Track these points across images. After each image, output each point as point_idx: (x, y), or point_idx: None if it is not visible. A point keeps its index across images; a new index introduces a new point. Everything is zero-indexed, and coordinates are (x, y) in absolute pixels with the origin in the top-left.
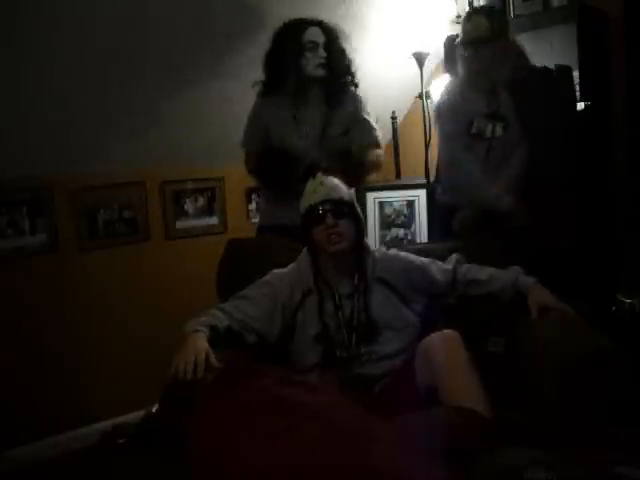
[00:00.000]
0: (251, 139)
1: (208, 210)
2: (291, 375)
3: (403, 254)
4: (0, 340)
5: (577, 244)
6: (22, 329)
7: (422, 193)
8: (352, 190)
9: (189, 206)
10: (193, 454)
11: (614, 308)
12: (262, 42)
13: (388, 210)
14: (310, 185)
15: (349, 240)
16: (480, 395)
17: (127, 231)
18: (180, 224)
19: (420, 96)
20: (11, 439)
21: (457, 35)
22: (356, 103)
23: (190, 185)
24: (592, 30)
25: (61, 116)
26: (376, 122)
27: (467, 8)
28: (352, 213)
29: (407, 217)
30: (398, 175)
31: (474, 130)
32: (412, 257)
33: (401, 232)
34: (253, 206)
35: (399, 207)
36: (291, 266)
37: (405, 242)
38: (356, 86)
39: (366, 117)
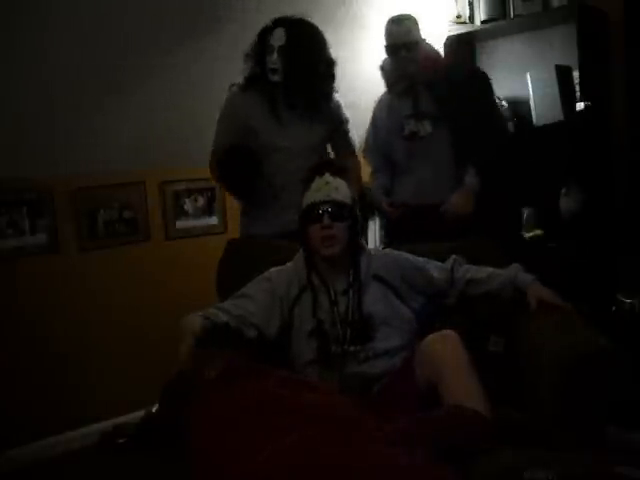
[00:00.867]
0: (226, 136)
1: (208, 210)
2: (291, 375)
3: (399, 252)
4: (0, 340)
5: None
6: (22, 329)
7: None
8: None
9: (189, 206)
10: (193, 454)
11: (614, 308)
12: None
13: None
14: (316, 183)
15: (342, 244)
16: (480, 395)
17: (127, 231)
18: (180, 224)
19: None
20: (11, 439)
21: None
22: (333, 110)
23: (187, 185)
24: (592, 30)
25: (61, 116)
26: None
27: (467, 8)
28: (350, 216)
29: None
30: None
31: (406, 132)
32: (408, 256)
33: None
34: None
35: None
36: (289, 263)
37: None
38: (328, 92)
39: (345, 125)
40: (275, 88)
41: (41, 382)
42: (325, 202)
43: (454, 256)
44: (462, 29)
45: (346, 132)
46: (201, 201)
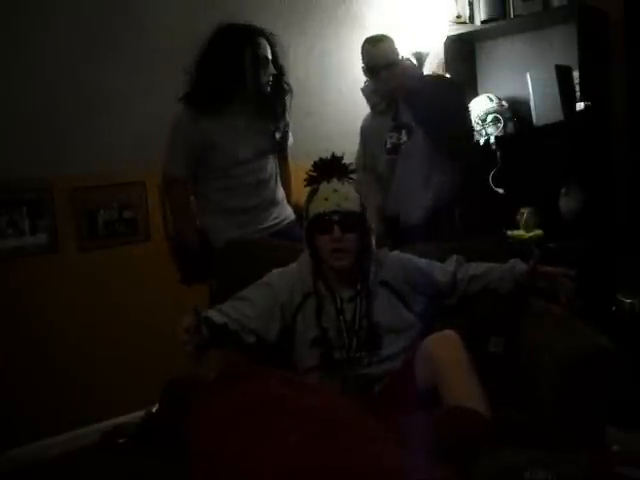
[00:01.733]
0: (179, 161)
1: None
2: (292, 376)
3: (404, 255)
4: (0, 340)
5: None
6: (22, 329)
7: None
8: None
9: None
10: (193, 454)
11: (614, 308)
12: None
13: None
14: (322, 190)
15: (353, 255)
16: (480, 395)
17: (127, 231)
18: None
19: None
20: (11, 439)
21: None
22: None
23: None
24: (592, 30)
25: (61, 116)
26: None
27: (467, 8)
28: (360, 225)
29: None
30: None
31: (388, 146)
32: (414, 258)
33: None
34: None
35: None
36: (292, 265)
37: None
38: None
39: (288, 128)
40: (253, 101)
41: (41, 382)
42: (335, 212)
43: (455, 256)
44: (462, 29)
45: (287, 136)
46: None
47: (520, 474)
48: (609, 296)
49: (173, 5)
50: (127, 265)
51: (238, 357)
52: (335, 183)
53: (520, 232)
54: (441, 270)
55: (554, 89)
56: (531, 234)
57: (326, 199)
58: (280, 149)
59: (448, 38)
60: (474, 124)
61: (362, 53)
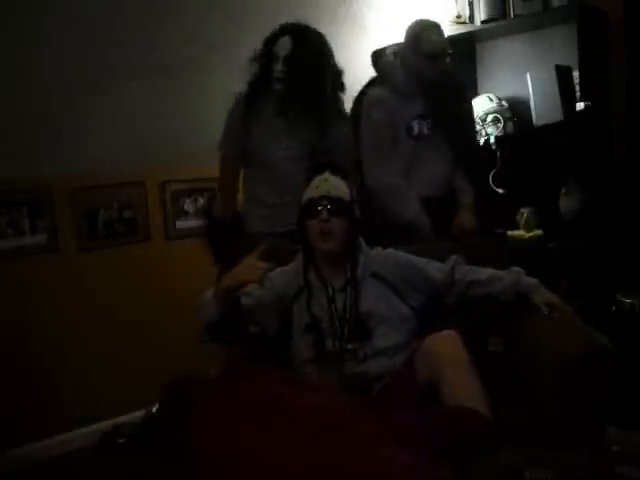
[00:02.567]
0: (226, 141)
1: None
2: (292, 375)
3: (399, 253)
4: (0, 340)
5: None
6: (22, 329)
7: None
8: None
9: (189, 206)
10: (193, 454)
11: (614, 308)
12: None
13: None
14: (316, 180)
15: (339, 240)
16: (480, 395)
17: (127, 231)
18: (180, 224)
19: None
20: (11, 439)
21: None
22: (341, 120)
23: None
24: (592, 30)
25: (61, 116)
26: None
27: (467, 8)
28: (348, 213)
29: None
30: None
31: (415, 132)
32: (409, 256)
33: None
34: None
35: None
36: (292, 263)
37: None
38: (337, 105)
39: (342, 145)
40: (277, 97)
41: (41, 382)
42: (323, 197)
43: (454, 256)
44: (462, 29)
45: (339, 152)
46: (201, 201)
47: (520, 474)
48: (609, 296)
49: (179, 4)
50: (127, 265)
51: (238, 358)
52: (327, 174)
53: (520, 232)
54: (437, 267)
55: (554, 89)
56: (531, 234)
57: (317, 187)
58: (326, 156)
59: (448, 38)
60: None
61: (418, 34)
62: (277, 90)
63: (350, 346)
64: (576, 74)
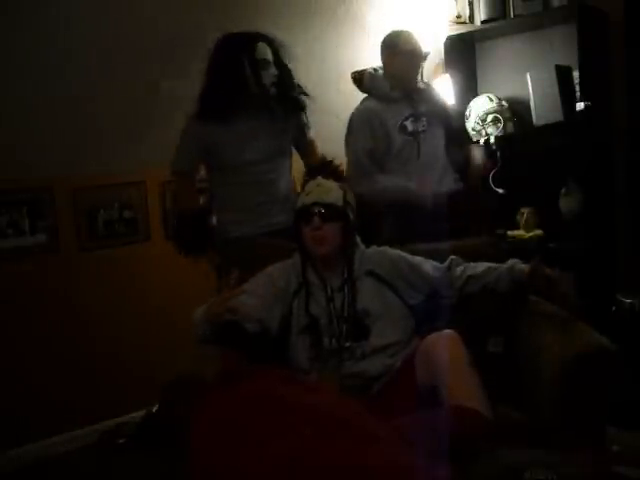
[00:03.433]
0: (187, 157)
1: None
2: (291, 375)
3: (394, 251)
4: (0, 340)
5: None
6: (22, 329)
7: None
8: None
9: None
10: (193, 454)
11: (614, 308)
12: None
13: None
14: (308, 186)
15: (333, 244)
16: (480, 395)
17: (127, 231)
18: None
19: None
20: (11, 439)
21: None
22: (304, 117)
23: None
24: (592, 30)
25: (61, 116)
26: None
27: (467, 8)
28: (341, 217)
29: None
30: None
31: (410, 129)
32: (405, 254)
33: None
34: None
35: None
36: (290, 259)
37: None
38: (303, 101)
39: (310, 132)
40: (269, 100)
41: (41, 382)
42: (315, 204)
43: (452, 257)
44: (462, 29)
45: (303, 134)
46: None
47: (520, 474)
48: (609, 296)
49: (175, 7)
50: (127, 265)
51: (238, 358)
52: (319, 179)
53: (520, 232)
54: (433, 266)
55: (554, 89)
56: (531, 234)
57: (309, 193)
58: (297, 147)
59: (448, 38)
60: (474, 124)
61: (394, 39)
62: (268, 94)
63: (348, 344)
64: (576, 74)
